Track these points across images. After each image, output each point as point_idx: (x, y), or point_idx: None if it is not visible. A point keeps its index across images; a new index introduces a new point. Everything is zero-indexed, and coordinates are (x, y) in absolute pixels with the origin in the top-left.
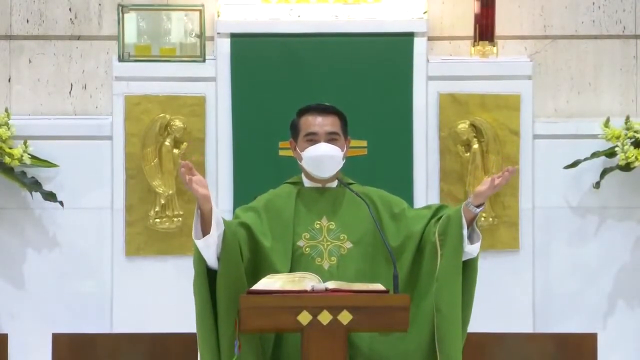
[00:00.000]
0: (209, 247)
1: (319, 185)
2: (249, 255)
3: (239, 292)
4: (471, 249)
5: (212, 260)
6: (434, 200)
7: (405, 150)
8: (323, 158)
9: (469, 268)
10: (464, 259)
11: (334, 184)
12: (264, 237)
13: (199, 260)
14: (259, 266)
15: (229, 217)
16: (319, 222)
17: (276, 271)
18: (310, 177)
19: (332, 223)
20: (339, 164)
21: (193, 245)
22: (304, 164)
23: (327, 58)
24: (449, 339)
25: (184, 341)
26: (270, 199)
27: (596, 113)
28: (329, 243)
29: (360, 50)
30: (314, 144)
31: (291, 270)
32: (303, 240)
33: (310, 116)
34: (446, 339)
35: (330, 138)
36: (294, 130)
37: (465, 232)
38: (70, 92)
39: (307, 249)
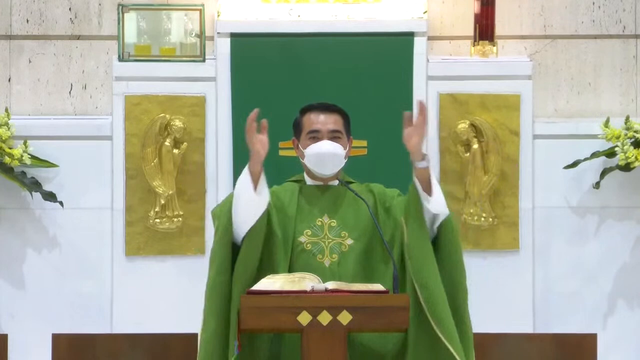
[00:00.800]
0: (258, 206)
1: (321, 183)
2: (263, 239)
3: (254, 267)
4: (434, 205)
5: (245, 220)
6: None
7: (405, 150)
8: (325, 155)
9: (445, 229)
10: (439, 221)
11: (336, 182)
12: (276, 227)
13: (228, 217)
14: (265, 253)
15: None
16: (320, 219)
17: (276, 264)
18: (312, 175)
19: (334, 221)
20: (341, 162)
21: (224, 207)
22: (306, 161)
23: (327, 58)
24: (438, 310)
25: (184, 341)
26: (275, 192)
27: (596, 113)
28: (330, 240)
29: (360, 50)
30: (317, 141)
31: (291, 265)
32: (305, 236)
33: (313, 114)
34: (436, 310)
35: (333, 136)
36: (297, 128)
37: (421, 192)
38: (70, 92)
39: (308, 245)
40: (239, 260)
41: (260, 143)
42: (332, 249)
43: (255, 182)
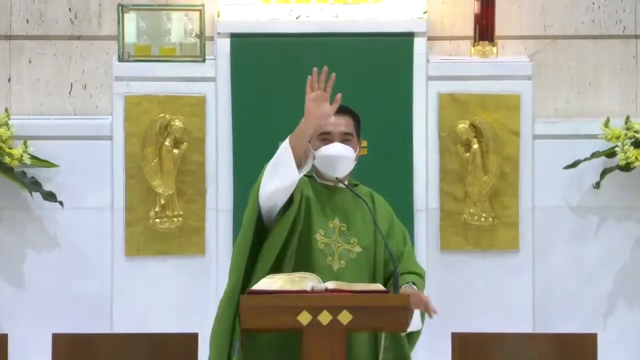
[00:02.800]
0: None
1: (330, 183)
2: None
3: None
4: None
5: (277, 194)
6: (434, 200)
7: (405, 150)
8: (337, 158)
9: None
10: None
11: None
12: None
13: (256, 193)
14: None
15: (228, 217)
16: (332, 221)
17: (280, 251)
18: (320, 175)
19: (344, 225)
20: (352, 164)
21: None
22: (316, 163)
23: (327, 58)
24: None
25: (184, 341)
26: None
27: (596, 113)
28: (339, 245)
29: (360, 50)
30: (328, 143)
31: (301, 261)
32: (318, 234)
33: None
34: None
35: (345, 138)
36: None
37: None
38: (70, 92)
39: (321, 245)
40: (269, 243)
41: (318, 106)
42: (341, 255)
43: (298, 157)
